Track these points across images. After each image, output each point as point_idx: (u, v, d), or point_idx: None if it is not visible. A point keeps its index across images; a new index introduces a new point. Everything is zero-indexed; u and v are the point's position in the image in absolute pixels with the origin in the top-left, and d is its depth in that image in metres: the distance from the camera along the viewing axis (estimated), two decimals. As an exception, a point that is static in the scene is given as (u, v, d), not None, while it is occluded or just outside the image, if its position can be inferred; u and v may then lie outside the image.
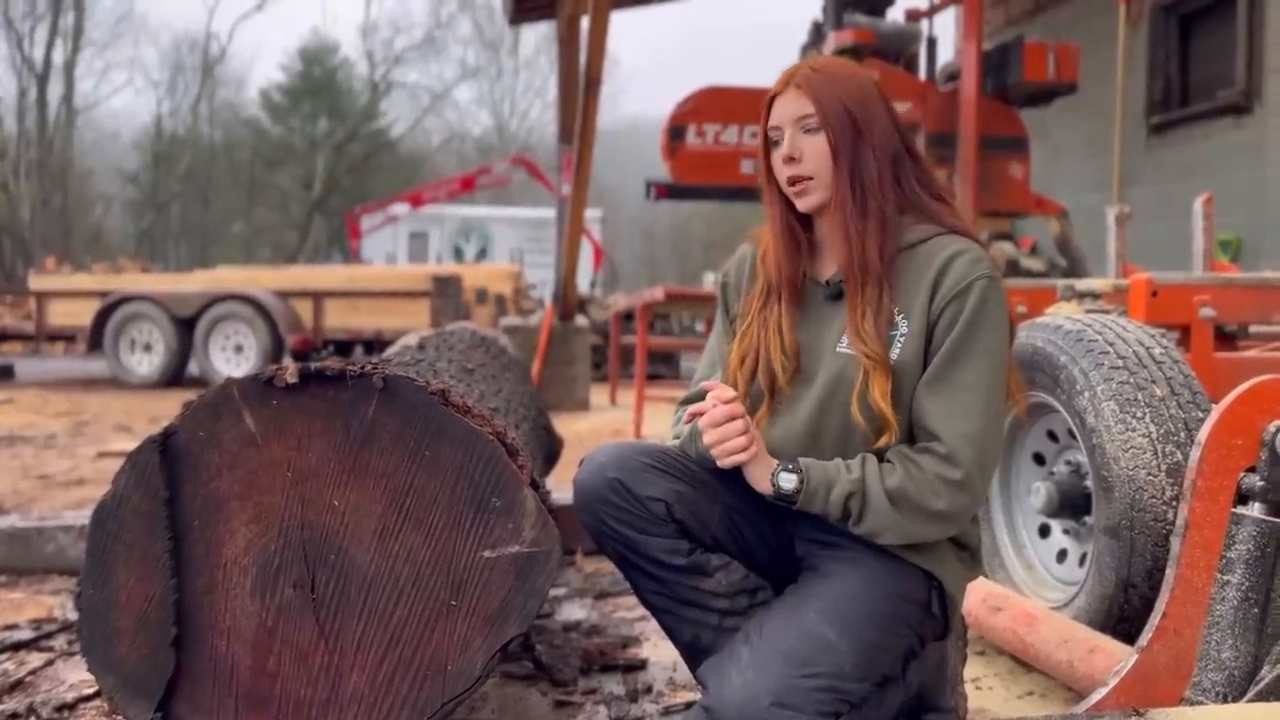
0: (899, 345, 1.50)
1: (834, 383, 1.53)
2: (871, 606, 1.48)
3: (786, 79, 1.57)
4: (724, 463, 1.50)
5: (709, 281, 7.37)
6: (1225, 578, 1.67)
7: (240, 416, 1.51)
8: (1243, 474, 1.69)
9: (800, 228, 1.60)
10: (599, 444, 1.66)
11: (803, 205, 1.57)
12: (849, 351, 1.52)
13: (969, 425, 1.46)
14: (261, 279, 10.66)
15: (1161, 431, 1.97)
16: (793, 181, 1.55)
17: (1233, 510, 1.68)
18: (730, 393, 1.51)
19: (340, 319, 10.07)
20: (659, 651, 2.25)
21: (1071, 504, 2.24)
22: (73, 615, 2.49)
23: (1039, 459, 2.41)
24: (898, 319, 1.51)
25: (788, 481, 1.48)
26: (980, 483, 1.47)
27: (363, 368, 1.51)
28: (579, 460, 1.63)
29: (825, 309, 1.58)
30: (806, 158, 1.54)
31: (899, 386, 1.50)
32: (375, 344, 9.97)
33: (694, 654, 1.59)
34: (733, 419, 1.48)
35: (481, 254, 20.26)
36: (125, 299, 9.86)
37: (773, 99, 1.58)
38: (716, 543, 1.59)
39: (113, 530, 1.52)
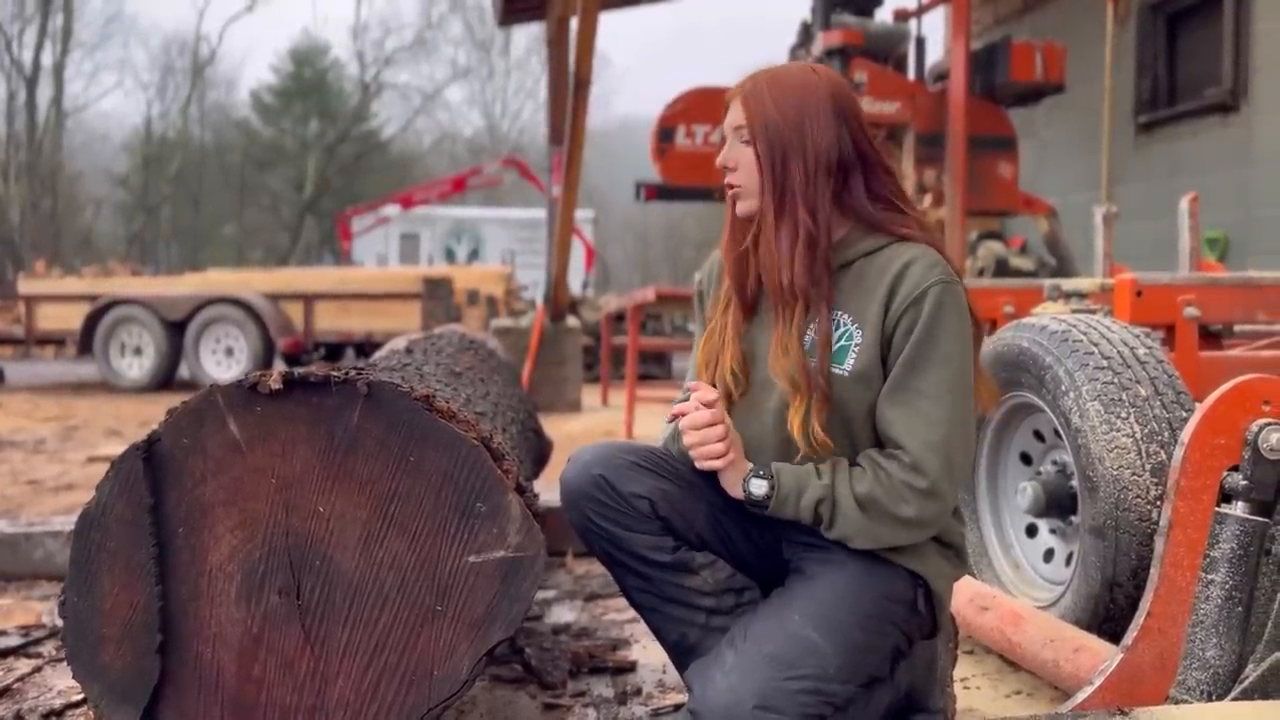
0: (853, 355, 1.50)
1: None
2: (856, 608, 1.48)
3: (739, 86, 1.58)
4: (701, 465, 1.51)
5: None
6: (1209, 576, 1.67)
7: (224, 423, 1.51)
8: (1226, 473, 1.70)
9: (747, 234, 1.60)
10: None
11: (739, 210, 1.59)
12: (809, 361, 1.51)
13: (932, 434, 1.45)
14: (252, 281, 10.62)
15: (1146, 431, 1.98)
16: (729, 187, 1.58)
17: (1216, 509, 1.69)
18: (713, 395, 1.51)
19: (331, 321, 10.04)
20: (648, 654, 2.25)
21: (1058, 504, 2.25)
22: (60, 622, 2.48)
23: (1026, 459, 2.42)
24: (852, 329, 1.51)
25: (758, 487, 1.49)
26: (949, 491, 1.47)
27: (347, 373, 1.51)
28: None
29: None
30: (739, 168, 1.56)
31: (856, 396, 1.50)
32: (366, 346, 9.96)
33: (681, 653, 1.60)
34: (714, 424, 1.49)
35: (473, 255, 20.25)
36: (115, 302, 9.82)
37: (730, 104, 1.60)
38: (703, 542, 1.60)
39: (97, 538, 1.52)
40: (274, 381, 1.49)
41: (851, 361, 1.50)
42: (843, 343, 1.51)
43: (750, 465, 1.52)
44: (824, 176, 1.52)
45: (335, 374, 1.51)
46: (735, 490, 1.52)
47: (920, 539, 1.52)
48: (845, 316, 1.52)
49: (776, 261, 1.52)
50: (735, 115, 1.57)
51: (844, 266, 1.54)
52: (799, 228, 1.50)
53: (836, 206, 1.54)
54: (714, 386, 1.59)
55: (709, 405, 1.49)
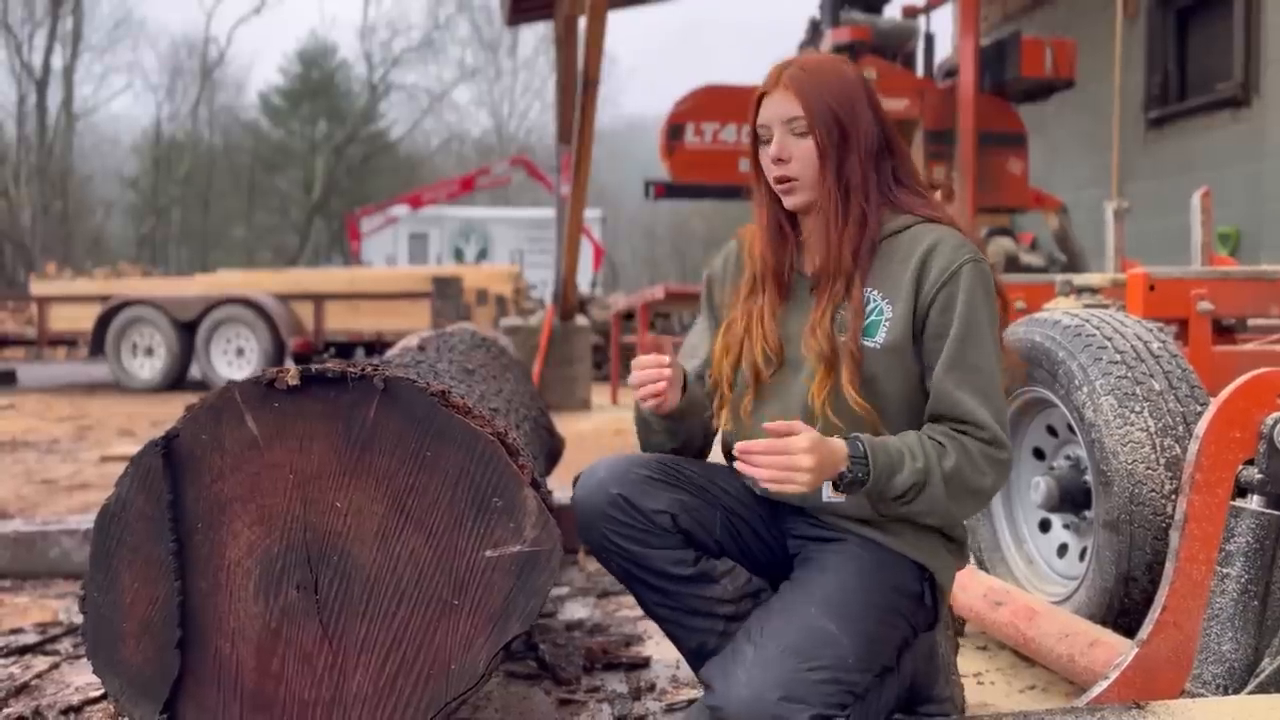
0: (885, 329, 1.52)
1: None
2: (870, 599, 1.49)
3: (776, 77, 1.58)
4: (777, 489, 1.41)
5: (709, 280, 7.34)
6: (1224, 570, 1.67)
7: (242, 419, 1.52)
8: (1241, 467, 1.69)
9: (788, 222, 1.63)
10: (596, 451, 1.67)
11: (789, 203, 1.60)
12: (840, 336, 1.54)
13: (995, 404, 1.50)
14: (262, 282, 10.67)
15: (1160, 425, 1.98)
16: (780, 180, 1.58)
17: (1231, 503, 1.69)
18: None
19: (341, 321, 10.08)
20: (662, 650, 2.26)
21: (1071, 499, 2.25)
22: (78, 619, 2.49)
23: (1039, 454, 2.41)
24: (882, 303, 1.53)
25: (860, 469, 1.42)
26: (1012, 456, 1.53)
27: (363, 369, 1.52)
28: (578, 465, 1.64)
29: (810, 300, 1.60)
30: (794, 159, 1.56)
31: (887, 367, 1.52)
32: (376, 346, 9.99)
33: (699, 659, 1.59)
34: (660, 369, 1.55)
35: (482, 255, 20.27)
36: (126, 303, 9.87)
37: (762, 96, 1.59)
38: (720, 548, 1.60)
39: (117, 534, 1.53)
40: (291, 378, 1.50)
41: (883, 335, 1.52)
42: (873, 317, 1.53)
43: (844, 450, 1.42)
44: (871, 163, 1.56)
45: (351, 370, 1.51)
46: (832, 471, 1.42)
47: (979, 510, 1.56)
48: (875, 293, 1.55)
49: (830, 248, 1.55)
50: (788, 106, 1.55)
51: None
52: (851, 214, 1.54)
53: (878, 190, 1.57)
54: (731, 374, 1.62)
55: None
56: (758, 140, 1.62)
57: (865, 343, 1.52)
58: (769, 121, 1.58)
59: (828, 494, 1.49)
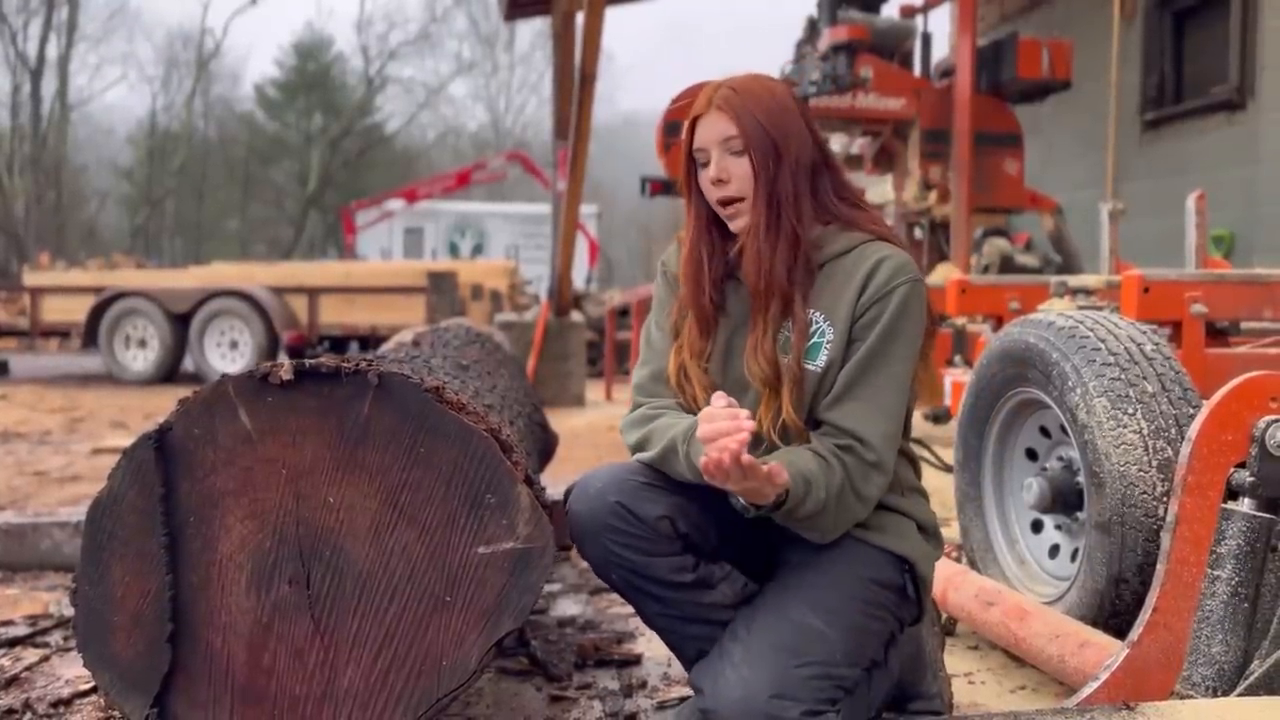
0: (825, 351, 1.53)
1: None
2: (853, 592, 1.50)
3: (707, 100, 1.57)
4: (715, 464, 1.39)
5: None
6: (1215, 573, 1.68)
7: (236, 413, 1.52)
8: (1233, 469, 1.70)
9: (709, 255, 1.60)
10: (590, 448, 1.66)
11: (735, 226, 1.58)
12: (783, 358, 1.53)
13: (888, 425, 1.51)
14: (256, 275, 10.64)
15: (1152, 427, 1.98)
16: (724, 203, 1.57)
17: (1223, 505, 1.69)
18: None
19: (335, 315, 10.07)
20: (653, 647, 2.26)
21: (1064, 499, 2.25)
22: (68, 611, 2.49)
23: (1031, 455, 2.42)
24: (824, 326, 1.53)
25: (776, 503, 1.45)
26: (891, 472, 1.54)
27: (357, 365, 1.52)
28: (572, 461, 1.63)
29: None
30: (734, 179, 1.55)
31: (824, 391, 1.53)
32: (370, 340, 9.97)
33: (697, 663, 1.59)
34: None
35: (477, 250, 20.26)
36: (120, 295, 9.84)
37: (696, 120, 1.58)
38: (717, 551, 1.59)
39: (109, 527, 1.52)
40: (285, 372, 1.50)
41: (824, 358, 1.53)
42: (816, 339, 1.54)
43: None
44: (805, 178, 1.56)
45: (346, 365, 1.51)
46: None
47: (865, 516, 1.54)
48: (818, 314, 1.55)
49: (762, 265, 1.53)
50: (723, 127, 1.54)
51: (817, 267, 1.56)
52: (781, 231, 1.53)
53: (812, 207, 1.57)
54: (692, 393, 1.59)
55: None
56: (692, 165, 1.60)
57: (808, 366, 1.53)
58: (705, 144, 1.57)
59: (741, 503, 1.47)
